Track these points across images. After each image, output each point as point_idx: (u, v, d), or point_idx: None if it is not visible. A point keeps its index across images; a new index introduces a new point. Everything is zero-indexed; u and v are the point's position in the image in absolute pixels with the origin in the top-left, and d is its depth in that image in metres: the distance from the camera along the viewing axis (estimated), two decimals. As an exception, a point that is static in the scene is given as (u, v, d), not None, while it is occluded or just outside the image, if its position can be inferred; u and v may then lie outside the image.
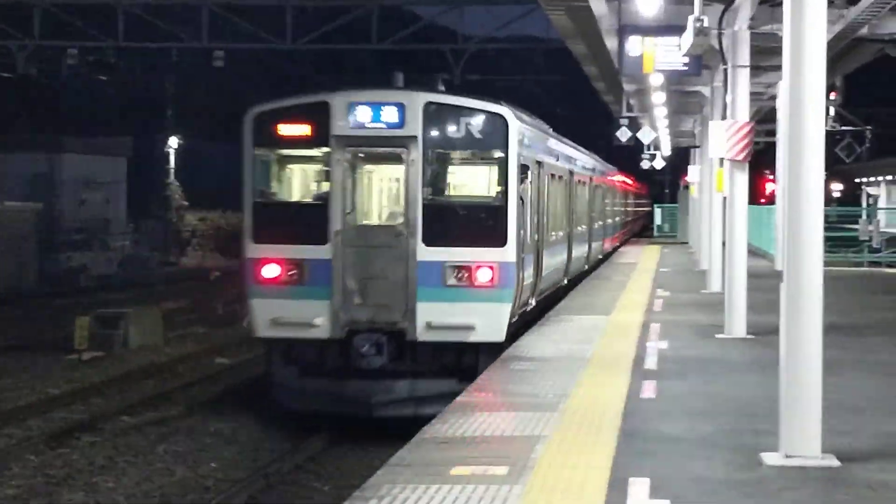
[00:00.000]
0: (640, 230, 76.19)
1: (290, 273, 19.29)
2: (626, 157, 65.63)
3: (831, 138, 58.51)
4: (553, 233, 25.84)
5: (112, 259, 54.01)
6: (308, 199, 20.17)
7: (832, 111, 47.99)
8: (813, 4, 10.01)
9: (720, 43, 20.24)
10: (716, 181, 24.63)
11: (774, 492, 9.33)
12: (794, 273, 10.13)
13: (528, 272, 21.30)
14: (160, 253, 59.37)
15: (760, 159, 55.24)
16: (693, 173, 45.68)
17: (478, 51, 47.70)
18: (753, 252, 44.99)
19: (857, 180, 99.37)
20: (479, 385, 14.55)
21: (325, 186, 19.49)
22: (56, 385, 23.36)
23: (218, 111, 76.99)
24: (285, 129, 19.65)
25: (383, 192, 20.62)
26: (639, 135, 45.48)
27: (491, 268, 19.14)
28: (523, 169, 20.34)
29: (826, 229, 10.61)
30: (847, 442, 10.91)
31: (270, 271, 19.34)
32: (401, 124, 19.19)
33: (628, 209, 63.71)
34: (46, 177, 54.81)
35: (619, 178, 55.65)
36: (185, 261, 60.54)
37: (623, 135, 42.47)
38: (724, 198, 21.38)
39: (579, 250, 31.95)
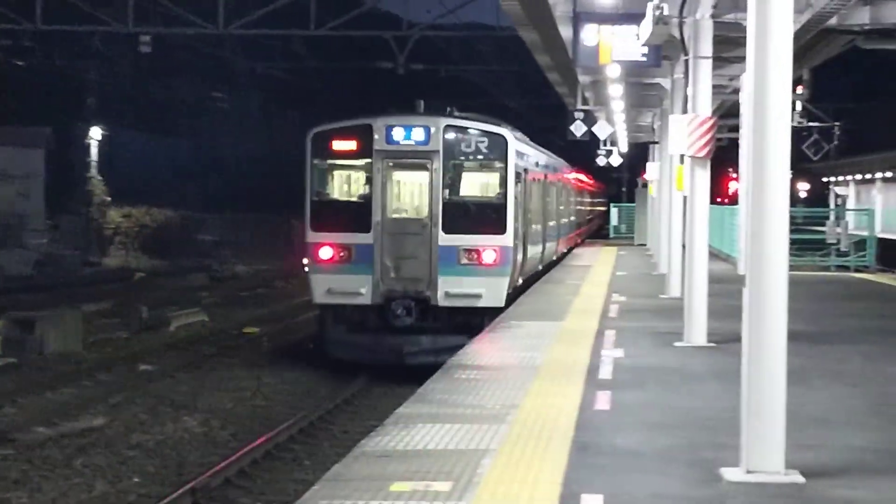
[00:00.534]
0: (595, 231, 76.46)
1: (340, 254, 27.04)
2: (582, 153, 65.85)
3: (798, 135, 58.99)
4: (534, 226, 33.05)
5: (28, 258, 53.60)
6: (354, 198, 27.74)
7: (799, 106, 48.38)
8: (779, -8, 10.07)
9: (681, 32, 20.33)
10: (676, 179, 24.74)
11: (734, 509, 9.38)
12: (758, 277, 10.18)
13: (519, 256, 29.11)
14: (80, 252, 58.98)
15: (723, 156, 55.57)
16: (652, 171, 45.84)
17: (423, 38, 47.66)
18: (715, 255, 45.26)
19: (824, 179, 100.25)
20: (421, 395, 14.54)
21: (367, 189, 27.27)
22: (-35, 394, 23.17)
23: (144, 100, 76.66)
24: (337, 145, 27.41)
25: (412, 193, 28.13)
26: (594, 129, 45.55)
27: (494, 251, 27.14)
28: (517, 176, 28.19)
29: (791, 231, 10.67)
30: (812, 457, 10.98)
31: (325, 253, 27.07)
32: (426, 142, 27.08)
33: (583, 209, 63.95)
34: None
35: (574, 175, 55.83)
36: (108, 260, 60.18)
37: (578, 129, 42.58)
38: (685, 197, 21.45)
39: (550, 244, 40.06)
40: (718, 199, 71.64)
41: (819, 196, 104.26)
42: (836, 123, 67.05)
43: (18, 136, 58.59)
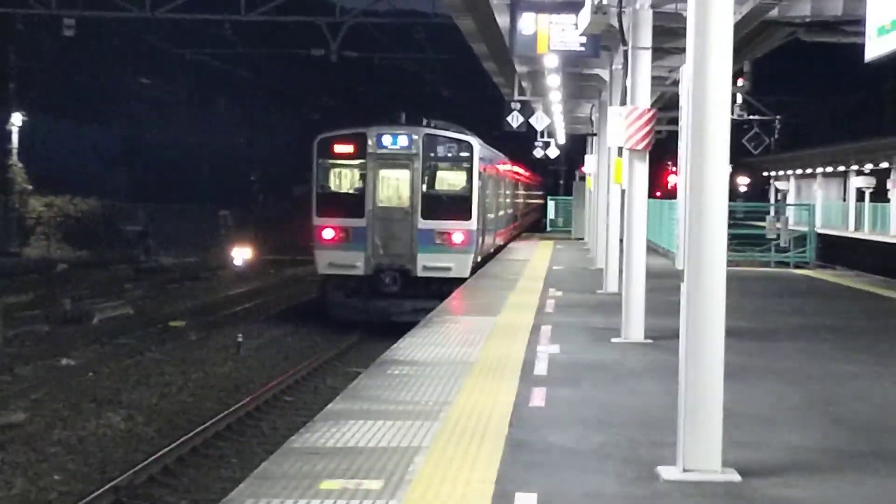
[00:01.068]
0: (532, 224, 76.61)
1: (340, 235, 34.66)
2: (518, 144, 65.93)
3: (738, 128, 59.34)
4: (489, 215, 40.47)
5: (-56, 248, 53.05)
6: (351, 191, 35.19)
7: (739, 98, 48.68)
8: (720, -18, 10.13)
9: (620, 22, 20.39)
10: (614, 172, 24.84)
11: (670, 509, 9.44)
12: (695, 272, 10.24)
13: (480, 238, 36.87)
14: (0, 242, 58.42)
15: (662, 149, 55.79)
16: (590, 163, 46.04)
17: (357, 25, 47.57)
18: (654, 250, 45.50)
19: (765, 174, 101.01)
20: (353, 391, 14.53)
21: (361, 183, 34.93)
22: None
23: (68, 85, 75.97)
24: (337, 149, 35.27)
25: (397, 187, 35.18)
26: (531, 120, 45.75)
27: (462, 233, 35.02)
28: (480, 175, 36.09)
29: (731, 226, 10.75)
30: (750, 455, 11.07)
31: (328, 234, 34.71)
32: (409, 147, 35.03)
33: (519, 202, 64.10)
34: None
35: (513, 169, 55.93)
36: (29, 251, 59.59)
37: (514, 120, 42.72)
38: (623, 190, 21.53)
39: (501, 230, 47.63)
40: (658, 194, 72.01)
41: (759, 191, 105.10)
42: (777, 117, 67.53)
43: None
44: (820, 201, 77.99)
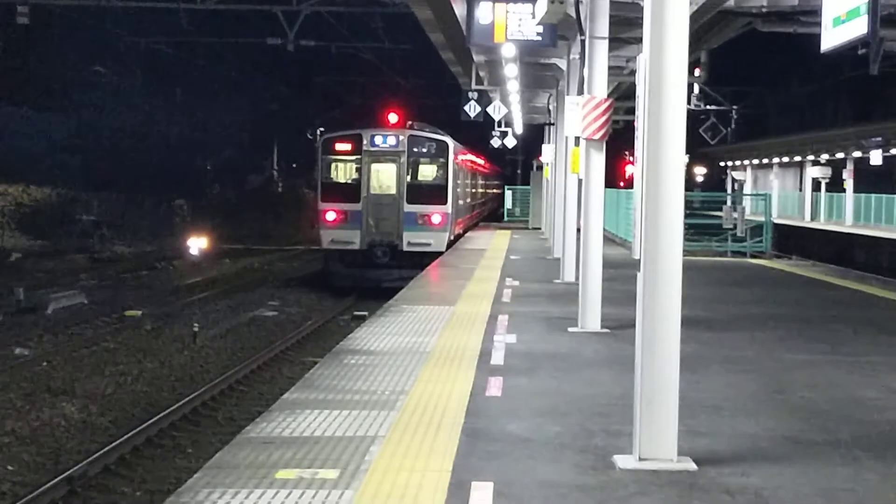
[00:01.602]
0: (490, 214, 76.72)
1: (340, 217, 42.14)
2: (476, 134, 65.97)
3: (695, 118, 59.63)
4: (460, 201, 48.42)
5: None
6: (349, 181, 42.74)
7: (696, 89, 48.94)
8: (676, -28, 10.16)
9: (577, 12, 20.46)
10: (571, 162, 24.89)
11: (625, 497, 9.48)
12: (652, 262, 10.29)
13: (454, 220, 44.73)
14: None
15: (619, 139, 56.10)
16: (547, 153, 46.07)
17: (314, 14, 47.39)
18: (611, 239, 45.67)
19: (721, 164, 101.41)
20: (308, 381, 14.52)
21: (358, 174, 42.61)
22: None
23: (22, 73, 75.44)
24: (338, 146, 43.20)
25: (387, 178, 42.74)
26: (489, 110, 45.76)
27: (440, 215, 42.65)
28: (454, 167, 44.18)
29: (687, 216, 10.81)
30: (705, 444, 11.14)
31: (330, 216, 42.29)
32: (397, 145, 42.86)
33: (477, 191, 64.25)
34: None
35: (468, 157, 56.00)
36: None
37: (472, 109, 42.71)
38: (580, 180, 21.58)
39: (468, 214, 56.34)
40: (621, 184, 72.21)
41: (716, 180, 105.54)
42: (734, 107, 67.91)
43: None
44: (776, 191, 78.43)
